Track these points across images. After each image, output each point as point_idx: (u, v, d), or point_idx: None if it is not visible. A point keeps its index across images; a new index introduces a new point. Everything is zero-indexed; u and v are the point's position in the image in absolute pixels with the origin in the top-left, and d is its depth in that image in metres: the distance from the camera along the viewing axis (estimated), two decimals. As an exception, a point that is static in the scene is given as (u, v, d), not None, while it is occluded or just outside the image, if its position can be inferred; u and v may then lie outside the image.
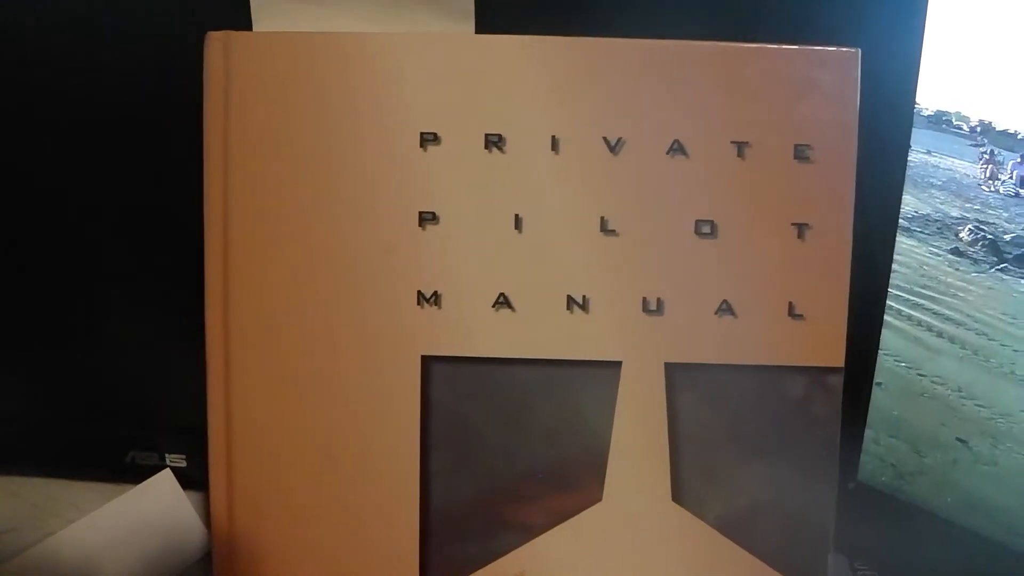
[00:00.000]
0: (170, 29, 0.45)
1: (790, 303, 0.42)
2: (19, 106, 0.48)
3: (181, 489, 0.52)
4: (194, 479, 0.52)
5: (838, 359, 0.42)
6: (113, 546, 0.50)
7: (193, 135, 0.43)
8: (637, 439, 0.42)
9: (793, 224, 0.42)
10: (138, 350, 0.52)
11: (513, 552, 0.43)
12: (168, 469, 0.52)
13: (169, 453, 0.52)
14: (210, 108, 0.42)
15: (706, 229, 0.42)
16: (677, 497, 0.43)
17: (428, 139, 0.41)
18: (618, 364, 0.42)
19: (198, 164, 0.43)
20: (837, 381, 0.42)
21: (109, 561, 0.50)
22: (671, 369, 0.42)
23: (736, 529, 0.43)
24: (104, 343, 0.52)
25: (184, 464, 0.52)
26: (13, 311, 0.52)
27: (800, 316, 0.42)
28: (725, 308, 0.42)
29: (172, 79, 0.45)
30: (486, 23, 0.45)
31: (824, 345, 0.42)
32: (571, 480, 0.43)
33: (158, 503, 0.51)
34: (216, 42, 0.42)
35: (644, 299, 0.42)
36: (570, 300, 0.42)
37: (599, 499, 0.43)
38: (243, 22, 0.45)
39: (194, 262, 0.44)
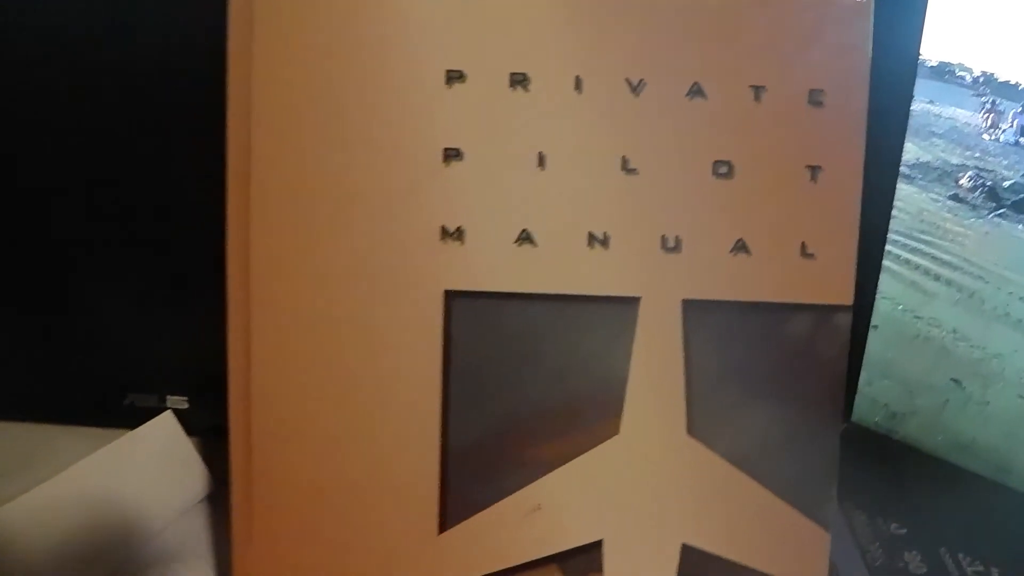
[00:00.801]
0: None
1: (802, 243, 0.43)
2: (29, 54, 0.48)
3: (183, 431, 0.51)
4: (196, 421, 0.51)
5: (847, 297, 0.44)
6: (113, 489, 0.49)
7: (216, 79, 0.43)
8: (654, 374, 0.43)
9: (806, 166, 0.43)
10: (137, 290, 0.51)
11: (531, 485, 0.44)
12: (170, 411, 0.51)
13: (170, 395, 0.52)
14: (234, 48, 0.42)
15: (723, 170, 0.43)
16: (692, 430, 0.44)
17: (454, 76, 0.42)
18: (636, 300, 0.43)
19: (215, 105, 0.43)
20: (846, 318, 0.44)
21: (109, 504, 0.49)
22: (688, 305, 0.43)
23: (747, 461, 0.44)
24: (102, 283, 0.52)
25: (186, 406, 0.52)
26: (6, 253, 0.51)
27: (811, 255, 0.43)
28: (740, 246, 0.43)
29: (196, 24, 0.45)
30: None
31: (834, 283, 0.44)
32: (589, 414, 0.44)
33: (159, 446, 0.51)
34: (241, -22, 0.42)
35: (663, 237, 0.43)
36: (591, 237, 0.43)
37: (616, 433, 0.44)
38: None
39: (197, 200, 0.44)
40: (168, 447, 0.51)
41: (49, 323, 0.53)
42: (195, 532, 0.51)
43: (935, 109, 0.46)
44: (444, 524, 0.44)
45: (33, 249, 0.51)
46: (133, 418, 0.51)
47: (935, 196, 0.46)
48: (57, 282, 0.52)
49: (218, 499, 0.51)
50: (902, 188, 0.47)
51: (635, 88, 0.42)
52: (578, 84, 0.42)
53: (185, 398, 0.52)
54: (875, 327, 0.49)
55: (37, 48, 0.47)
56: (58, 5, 0.47)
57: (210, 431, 0.50)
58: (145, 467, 0.51)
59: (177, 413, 0.52)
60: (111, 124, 0.49)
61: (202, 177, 0.43)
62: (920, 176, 0.46)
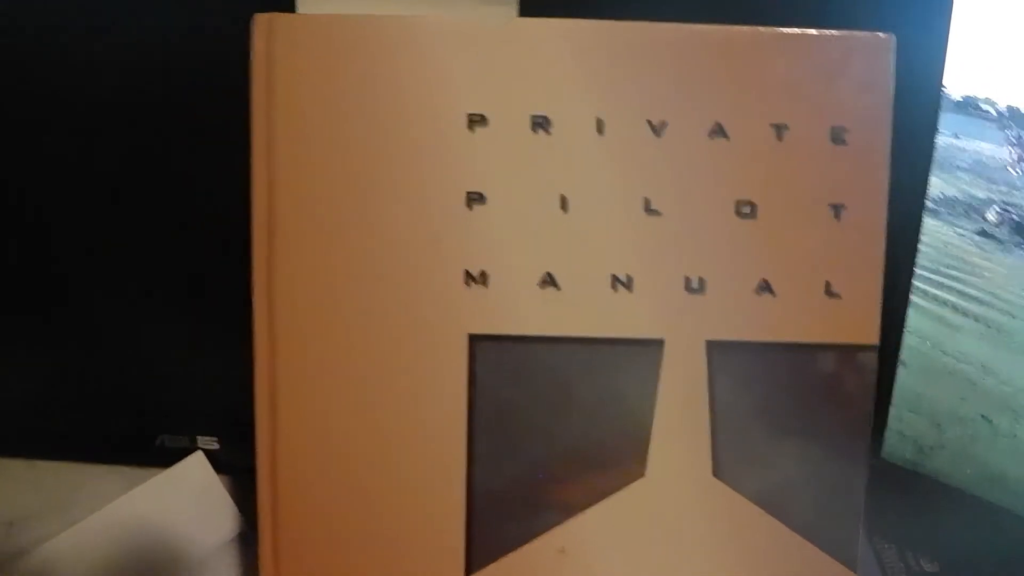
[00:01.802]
0: (214, 14, 0.46)
1: (827, 282, 0.43)
2: (63, 83, 0.48)
3: (213, 472, 0.52)
4: (226, 461, 0.52)
5: (872, 336, 0.43)
6: (145, 528, 0.50)
7: (234, 119, 0.43)
8: (679, 415, 0.43)
9: (830, 205, 0.43)
10: (168, 331, 0.52)
11: (557, 528, 0.44)
12: (200, 451, 0.52)
13: (200, 435, 0.53)
14: (256, 90, 0.42)
15: (746, 210, 0.43)
16: (717, 472, 0.44)
17: (476, 120, 0.42)
18: (661, 342, 0.43)
19: (239, 149, 0.43)
20: (871, 358, 0.43)
21: (141, 543, 0.50)
22: (712, 347, 0.43)
23: (773, 503, 0.44)
24: (133, 325, 0.52)
25: (216, 447, 0.53)
26: (39, 292, 0.52)
27: (836, 294, 0.43)
28: (764, 287, 0.43)
29: (216, 64, 0.45)
30: (529, 9, 0.46)
31: (859, 323, 0.43)
32: (614, 456, 0.44)
33: (190, 486, 0.52)
34: (263, 24, 0.42)
35: (686, 278, 0.43)
36: (614, 279, 0.43)
37: (641, 475, 0.44)
38: (287, 7, 0.46)
39: (227, 244, 0.44)
40: (199, 487, 0.52)
41: (84, 365, 0.53)
42: (225, 571, 0.51)
43: (960, 143, 0.45)
44: (470, 568, 0.44)
45: (67, 292, 0.52)
46: (165, 458, 0.52)
47: (961, 230, 0.46)
48: (91, 324, 0.52)
49: (247, 538, 0.52)
50: (928, 223, 0.46)
51: (657, 129, 0.42)
52: (600, 126, 0.42)
53: (215, 439, 0.53)
54: (903, 362, 0.49)
55: (82, 33, 0.48)
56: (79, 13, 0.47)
57: (239, 471, 0.50)
58: (176, 506, 0.51)
59: (207, 453, 0.52)
60: (153, 167, 0.50)
61: (235, 220, 0.43)
62: (946, 210, 0.46)
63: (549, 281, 0.43)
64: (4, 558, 0.47)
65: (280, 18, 0.42)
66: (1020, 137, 0.44)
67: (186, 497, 0.51)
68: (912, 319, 0.48)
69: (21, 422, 0.54)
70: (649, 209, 0.43)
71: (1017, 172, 0.45)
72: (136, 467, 0.53)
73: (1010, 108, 0.44)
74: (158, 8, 0.47)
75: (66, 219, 0.51)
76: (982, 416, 0.47)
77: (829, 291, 0.43)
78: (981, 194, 0.46)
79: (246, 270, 0.43)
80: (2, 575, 0.46)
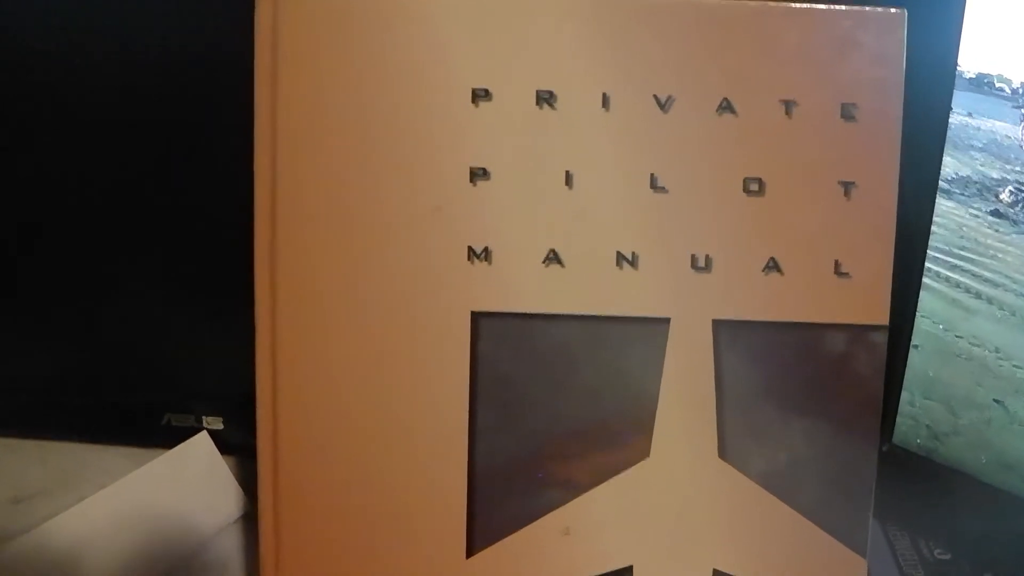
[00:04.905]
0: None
1: (836, 261, 0.42)
2: (65, 64, 0.48)
3: (218, 451, 0.52)
4: (231, 442, 0.52)
5: (882, 317, 0.43)
6: (149, 509, 0.50)
7: (240, 97, 0.43)
8: (685, 395, 0.43)
9: (839, 182, 0.42)
10: (174, 312, 0.52)
11: (560, 508, 0.43)
12: (205, 431, 0.52)
13: (206, 416, 0.53)
14: (260, 65, 0.42)
15: (754, 187, 0.42)
16: (723, 453, 0.43)
17: (480, 95, 0.42)
18: (666, 320, 0.42)
19: (244, 126, 0.43)
20: (881, 338, 0.43)
21: (145, 524, 0.50)
22: (719, 326, 0.42)
23: (780, 485, 0.43)
24: (140, 305, 0.52)
25: (221, 427, 0.53)
26: (47, 273, 0.52)
27: (846, 274, 0.42)
28: (772, 265, 0.42)
29: (223, 40, 0.45)
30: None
31: (869, 303, 0.43)
32: (619, 436, 0.43)
33: (195, 466, 0.52)
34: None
35: (693, 256, 0.42)
36: (619, 256, 0.42)
37: (646, 455, 0.43)
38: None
39: (231, 223, 0.44)
40: (204, 467, 0.52)
41: (90, 345, 0.53)
42: (230, 551, 0.51)
43: (974, 122, 0.45)
44: (472, 547, 0.43)
45: (74, 272, 0.52)
46: (171, 437, 0.52)
47: (975, 211, 0.45)
48: (98, 306, 0.52)
49: (252, 518, 0.51)
50: (941, 203, 0.46)
51: (663, 104, 0.42)
52: (605, 101, 0.42)
53: (220, 418, 0.53)
54: (916, 346, 0.48)
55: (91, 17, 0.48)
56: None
57: (244, 451, 0.50)
58: (181, 486, 0.51)
59: (212, 433, 0.52)
60: (159, 148, 0.50)
61: (240, 200, 0.43)
62: (959, 191, 0.45)
63: (553, 258, 0.42)
64: (10, 534, 0.47)
65: (284, -8, 0.42)
66: (1035, 115, 0.43)
67: (191, 477, 0.51)
68: (925, 302, 0.47)
69: (29, 402, 0.54)
70: (655, 186, 0.42)
71: (1032, 151, 0.44)
72: (142, 447, 0.53)
73: (1024, 85, 0.43)
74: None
75: (75, 200, 0.51)
76: (996, 400, 0.46)
77: (838, 270, 0.42)
78: (995, 174, 0.45)
79: (252, 248, 0.42)
80: (8, 551, 0.46)
